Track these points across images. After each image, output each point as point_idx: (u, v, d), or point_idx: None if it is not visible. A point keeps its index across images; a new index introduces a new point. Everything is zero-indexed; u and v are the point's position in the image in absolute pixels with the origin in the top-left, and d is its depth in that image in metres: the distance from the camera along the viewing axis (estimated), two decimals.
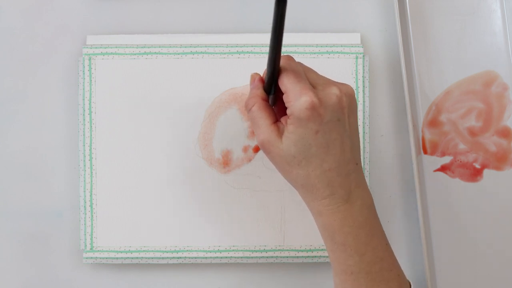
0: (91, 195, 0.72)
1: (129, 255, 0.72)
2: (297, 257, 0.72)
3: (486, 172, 0.73)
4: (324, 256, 0.72)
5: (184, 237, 0.72)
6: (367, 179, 0.72)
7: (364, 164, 0.72)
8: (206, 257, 0.72)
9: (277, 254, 0.72)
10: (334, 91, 0.58)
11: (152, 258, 0.72)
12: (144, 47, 0.72)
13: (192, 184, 0.72)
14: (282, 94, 0.59)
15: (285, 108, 0.59)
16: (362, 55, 0.73)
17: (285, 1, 0.52)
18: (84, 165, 0.72)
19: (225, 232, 0.72)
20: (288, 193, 0.72)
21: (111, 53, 0.72)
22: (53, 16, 0.74)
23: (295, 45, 0.72)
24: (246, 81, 0.69)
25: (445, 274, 0.73)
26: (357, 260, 0.59)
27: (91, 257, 0.72)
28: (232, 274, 0.74)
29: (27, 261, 0.74)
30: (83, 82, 0.72)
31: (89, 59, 0.72)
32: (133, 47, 0.72)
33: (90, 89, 0.72)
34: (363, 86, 0.73)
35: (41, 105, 0.74)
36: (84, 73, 0.72)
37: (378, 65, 0.74)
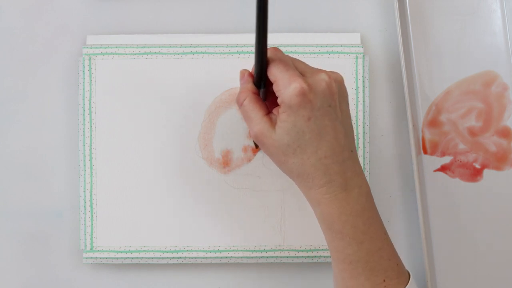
0: (91, 195, 0.72)
1: (129, 255, 0.72)
2: (297, 257, 0.72)
3: (486, 172, 0.73)
4: (324, 256, 0.72)
5: (184, 237, 0.72)
6: (367, 179, 0.72)
7: (364, 164, 0.72)
8: (206, 257, 0.72)
9: (277, 254, 0.72)
10: (323, 77, 0.58)
11: (152, 258, 0.72)
12: (144, 47, 0.72)
13: (192, 184, 0.72)
14: (272, 87, 0.59)
15: (277, 102, 0.59)
16: (362, 55, 0.73)
17: None
18: (84, 165, 0.72)
19: (225, 232, 0.72)
20: (288, 193, 0.72)
21: (111, 53, 0.72)
22: (53, 16, 0.74)
23: (295, 45, 0.72)
24: None
25: (445, 274, 0.73)
26: (355, 249, 0.59)
27: (91, 257, 0.72)
28: (232, 274, 0.74)
29: (27, 261, 0.74)
30: (83, 82, 0.72)
31: (89, 59, 0.72)
32: (133, 47, 0.72)
33: (90, 89, 0.72)
34: (363, 86, 0.73)
35: (41, 105, 0.73)
36: (84, 73, 0.72)
37: (378, 65, 0.74)
